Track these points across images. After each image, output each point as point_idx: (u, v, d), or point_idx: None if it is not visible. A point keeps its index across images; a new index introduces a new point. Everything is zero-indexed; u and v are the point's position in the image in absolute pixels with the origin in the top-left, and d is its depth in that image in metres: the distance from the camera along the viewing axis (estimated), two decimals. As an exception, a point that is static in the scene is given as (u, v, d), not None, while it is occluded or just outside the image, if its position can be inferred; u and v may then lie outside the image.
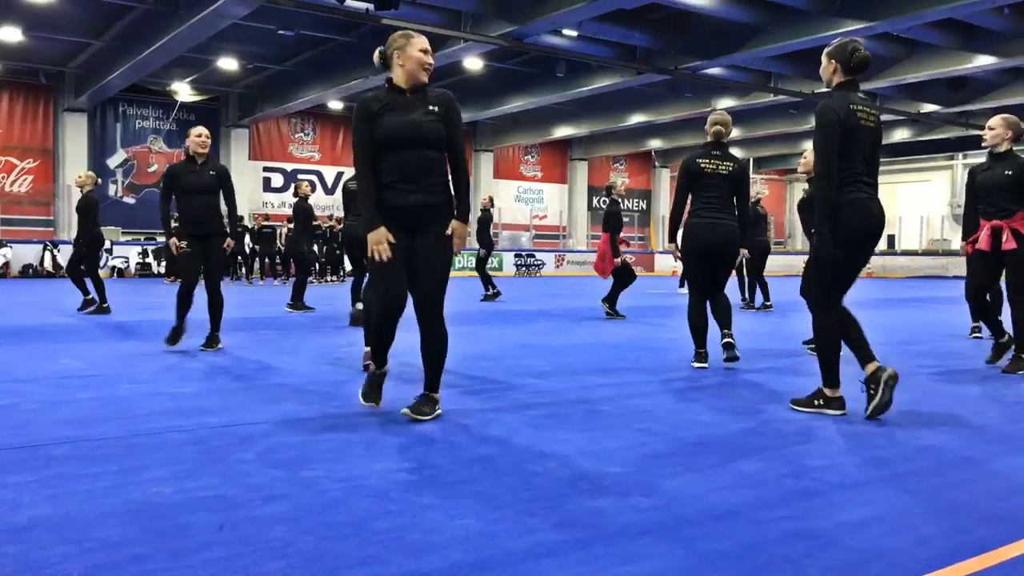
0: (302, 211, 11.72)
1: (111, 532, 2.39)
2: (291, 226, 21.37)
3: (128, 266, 23.22)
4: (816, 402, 4.25)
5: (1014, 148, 5.93)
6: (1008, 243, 5.77)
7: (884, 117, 25.07)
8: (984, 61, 17.77)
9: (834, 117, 4.04)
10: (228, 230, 6.88)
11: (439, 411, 4.04)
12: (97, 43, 20.06)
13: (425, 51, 3.92)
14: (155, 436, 3.59)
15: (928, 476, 3.10)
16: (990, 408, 4.52)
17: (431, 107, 3.88)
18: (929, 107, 23.20)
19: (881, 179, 4.31)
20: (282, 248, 21.49)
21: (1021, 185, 5.81)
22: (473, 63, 19.94)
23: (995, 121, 5.97)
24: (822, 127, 4.07)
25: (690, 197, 5.94)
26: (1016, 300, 5.82)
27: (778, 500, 2.78)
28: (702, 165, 5.83)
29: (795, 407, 4.32)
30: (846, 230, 4.05)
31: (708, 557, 2.26)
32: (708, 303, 5.94)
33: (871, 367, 4.10)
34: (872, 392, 4.06)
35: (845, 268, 4.16)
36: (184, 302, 6.74)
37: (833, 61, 4.23)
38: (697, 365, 5.87)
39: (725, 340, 5.83)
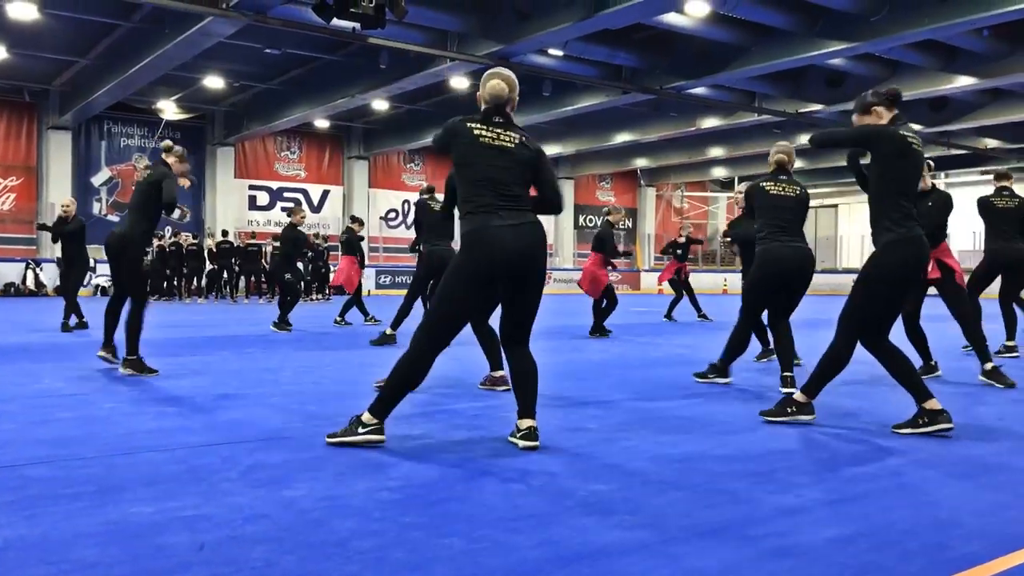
0: (293, 238, 11.29)
1: (88, 553, 2.35)
2: (277, 244, 21.45)
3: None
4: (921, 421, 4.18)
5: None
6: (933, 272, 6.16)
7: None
8: (964, 82, 17.98)
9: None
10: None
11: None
12: (82, 61, 20.02)
13: None
14: (135, 456, 3.55)
15: (913, 493, 3.10)
16: (973, 427, 4.53)
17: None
18: (912, 127, 23.44)
19: (868, 197, 4.34)
20: (267, 266, 21.41)
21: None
22: (459, 82, 20.00)
23: None
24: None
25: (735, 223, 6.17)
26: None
27: (764, 517, 2.77)
28: (767, 188, 5.74)
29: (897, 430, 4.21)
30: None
31: (692, 575, 2.25)
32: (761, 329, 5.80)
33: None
34: (922, 422, 4.13)
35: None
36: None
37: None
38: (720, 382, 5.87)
39: (787, 375, 5.62)
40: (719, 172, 33.08)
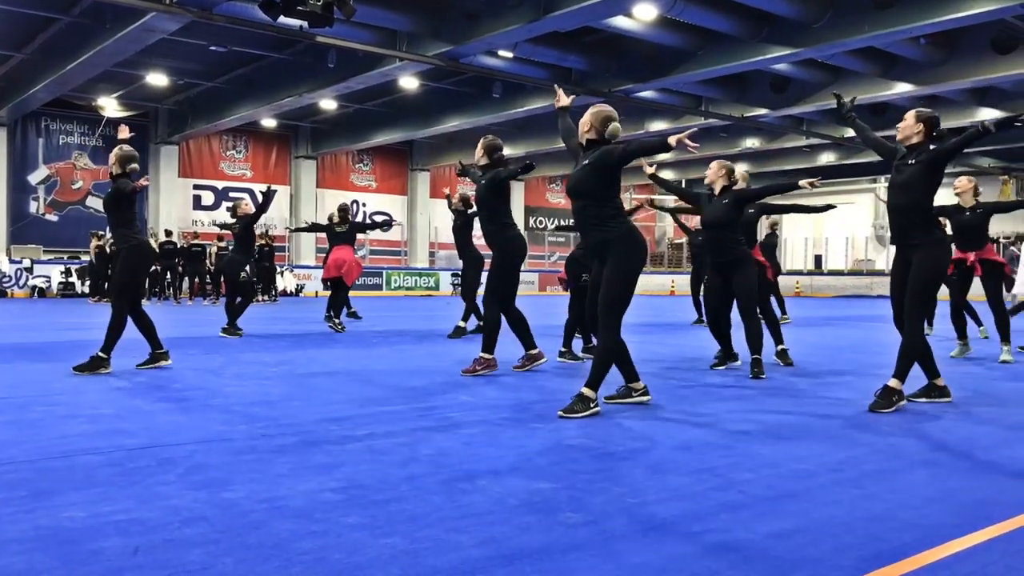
0: (247, 233, 10.47)
1: (16, 559, 2.28)
2: (223, 244, 21.05)
3: (50, 286, 22.45)
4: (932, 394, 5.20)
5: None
6: None
7: (810, 141, 25.92)
8: (903, 88, 18.50)
9: None
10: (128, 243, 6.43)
11: (594, 409, 4.61)
12: (18, 55, 19.45)
13: None
14: (69, 459, 3.45)
15: (848, 487, 3.16)
16: (910, 422, 4.65)
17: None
18: (853, 132, 24.01)
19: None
20: (211, 268, 21.04)
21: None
22: (409, 82, 19.93)
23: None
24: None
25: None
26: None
27: (705, 513, 2.80)
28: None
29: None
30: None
31: (635, 571, 2.27)
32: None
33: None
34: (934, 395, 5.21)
35: None
36: (138, 326, 6.56)
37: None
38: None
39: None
40: (667, 175, 33.46)
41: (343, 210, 11.67)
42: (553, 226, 28.82)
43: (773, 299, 10.25)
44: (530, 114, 22.05)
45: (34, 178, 24.46)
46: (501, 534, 2.55)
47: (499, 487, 3.09)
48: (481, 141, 6.75)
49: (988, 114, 21.08)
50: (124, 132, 6.87)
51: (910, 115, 5.14)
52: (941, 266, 5.06)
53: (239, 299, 10.18)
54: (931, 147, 4.96)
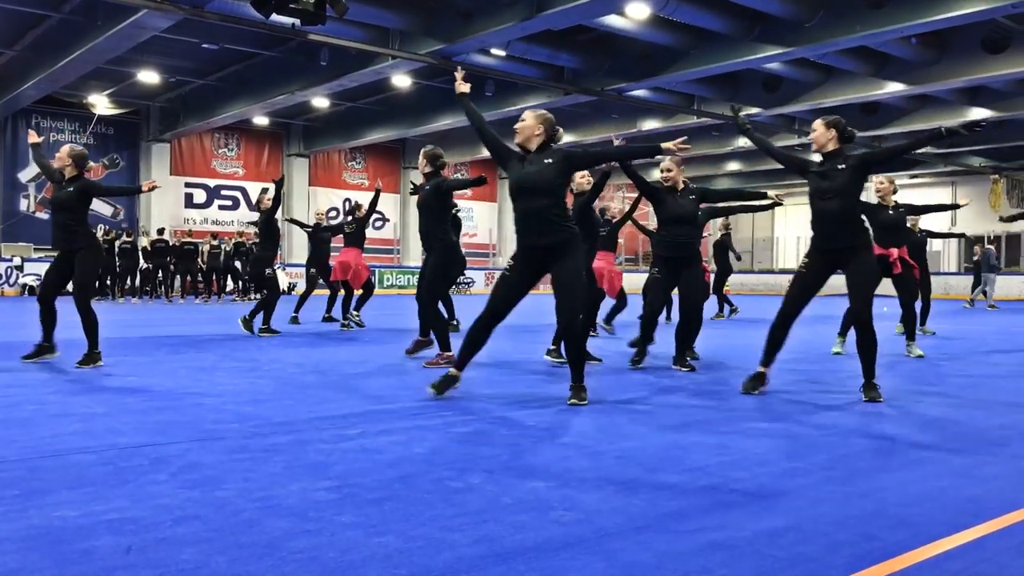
0: (268, 227, 10.22)
1: (8, 559, 2.27)
2: (215, 243, 20.99)
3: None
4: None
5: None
6: None
7: (803, 140, 25.97)
8: (894, 88, 18.54)
9: None
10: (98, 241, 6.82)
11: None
12: (9, 52, 19.33)
13: None
14: (61, 458, 3.44)
15: (841, 485, 3.18)
16: (901, 421, 4.67)
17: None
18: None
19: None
20: (203, 266, 20.96)
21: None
22: (401, 80, 19.90)
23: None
24: None
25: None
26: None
27: (698, 511, 2.81)
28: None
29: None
30: None
31: (628, 569, 2.27)
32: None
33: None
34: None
35: None
36: (42, 318, 6.75)
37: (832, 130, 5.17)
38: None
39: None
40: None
41: (352, 211, 11.68)
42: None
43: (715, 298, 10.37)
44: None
45: (25, 176, 24.33)
46: (495, 532, 2.55)
47: (492, 485, 3.09)
48: (423, 151, 7.27)
49: (979, 113, 21.16)
50: (33, 137, 7.38)
51: (819, 123, 5.29)
52: (876, 265, 5.42)
53: (267, 296, 9.91)
54: (860, 151, 5.17)
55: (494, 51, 17.22)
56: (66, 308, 6.74)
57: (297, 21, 12.62)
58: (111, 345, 6.49)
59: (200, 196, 27.45)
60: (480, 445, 3.79)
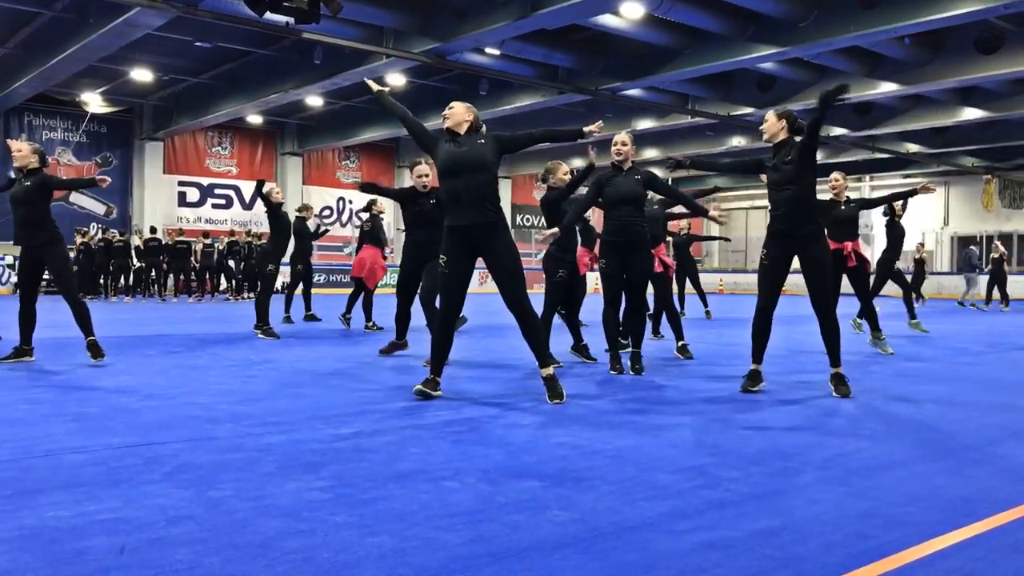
0: (275, 221, 10.21)
1: (0, 559, 2.26)
2: (208, 242, 20.92)
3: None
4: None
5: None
6: None
7: (797, 139, 26.01)
8: (888, 88, 18.59)
9: None
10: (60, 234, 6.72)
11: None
12: (0, 50, 19.24)
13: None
14: (54, 458, 3.42)
15: (835, 485, 3.18)
16: (895, 420, 4.68)
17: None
18: (839, 131, 24.12)
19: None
20: (196, 265, 20.89)
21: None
22: (396, 79, 19.86)
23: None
24: None
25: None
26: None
27: (692, 511, 2.81)
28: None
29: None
30: None
31: (622, 569, 2.27)
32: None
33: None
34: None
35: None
36: (20, 319, 6.76)
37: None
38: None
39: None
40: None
41: (367, 208, 11.54)
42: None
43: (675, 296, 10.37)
44: (517, 111, 22.02)
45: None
46: (489, 532, 2.55)
47: (487, 485, 3.08)
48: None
49: (972, 113, 21.23)
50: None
51: (770, 114, 5.50)
52: (830, 254, 5.53)
53: (258, 296, 9.79)
54: (796, 139, 5.36)
55: (488, 50, 17.20)
56: (46, 307, 6.76)
57: (291, 19, 12.59)
58: (104, 344, 6.47)
59: (193, 195, 27.37)
60: (474, 444, 3.79)
